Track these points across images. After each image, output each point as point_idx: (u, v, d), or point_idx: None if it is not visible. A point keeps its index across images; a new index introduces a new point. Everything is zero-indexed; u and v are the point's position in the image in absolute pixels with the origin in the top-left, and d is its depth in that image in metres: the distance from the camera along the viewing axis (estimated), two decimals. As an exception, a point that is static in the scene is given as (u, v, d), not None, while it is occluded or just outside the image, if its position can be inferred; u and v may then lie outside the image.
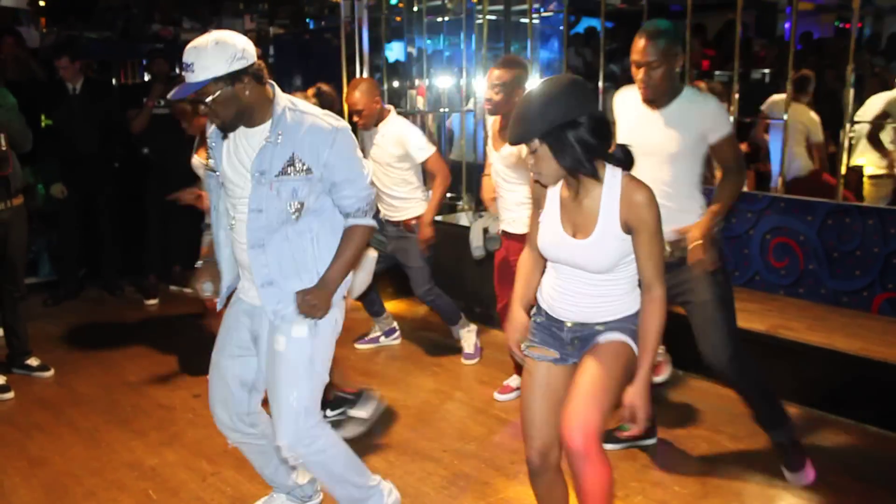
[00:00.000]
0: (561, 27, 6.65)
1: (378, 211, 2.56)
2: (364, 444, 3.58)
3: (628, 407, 2.21)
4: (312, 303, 2.51)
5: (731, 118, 3.11)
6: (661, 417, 3.72)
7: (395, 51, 9.02)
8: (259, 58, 2.42)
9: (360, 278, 3.46)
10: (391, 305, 5.18)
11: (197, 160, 3.86)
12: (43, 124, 5.53)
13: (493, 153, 3.91)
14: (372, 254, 3.58)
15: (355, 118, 4.37)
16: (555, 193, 2.32)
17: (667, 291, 2.53)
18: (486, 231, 4.65)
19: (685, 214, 2.97)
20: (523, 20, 6.45)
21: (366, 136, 4.47)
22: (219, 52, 2.30)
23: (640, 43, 2.90)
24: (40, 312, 5.60)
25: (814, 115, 5.73)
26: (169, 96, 2.47)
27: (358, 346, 4.88)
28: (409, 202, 4.47)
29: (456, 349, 4.70)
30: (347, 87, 4.49)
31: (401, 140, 4.36)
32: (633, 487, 3.21)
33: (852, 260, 4.27)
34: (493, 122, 3.93)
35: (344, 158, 2.48)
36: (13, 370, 4.49)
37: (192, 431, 3.78)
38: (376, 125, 4.41)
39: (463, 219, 5.74)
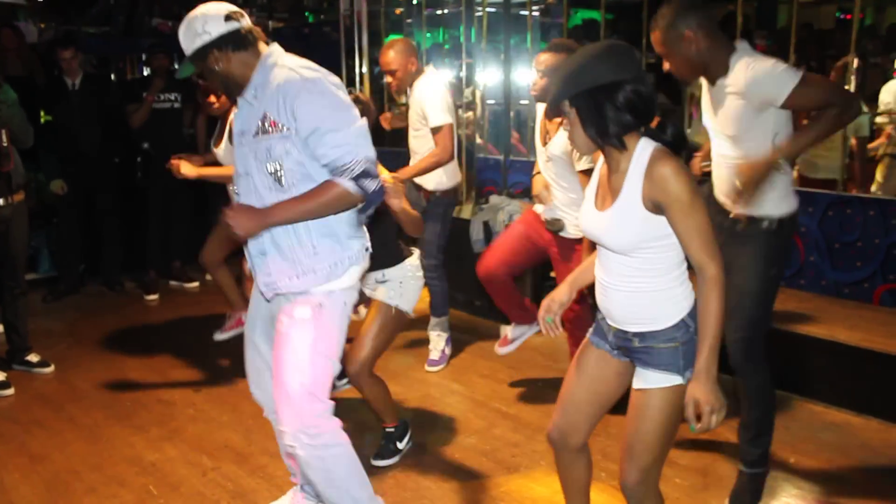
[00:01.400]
0: (560, 19, 6.62)
1: (370, 176, 2.35)
2: (364, 439, 3.58)
3: (690, 403, 2.01)
4: (234, 219, 2.31)
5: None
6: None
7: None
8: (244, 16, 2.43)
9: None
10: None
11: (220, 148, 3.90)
12: (42, 120, 5.52)
13: (541, 149, 3.71)
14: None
15: (388, 79, 4.24)
16: (596, 173, 2.22)
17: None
18: (486, 224, 4.65)
19: (774, 198, 2.71)
20: (523, 12, 6.43)
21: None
22: (185, 33, 2.38)
23: (651, 35, 2.78)
24: (40, 308, 5.60)
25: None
26: (178, 76, 2.54)
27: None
28: (441, 171, 4.30)
29: (458, 342, 4.69)
30: (382, 48, 4.32)
31: (421, 100, 4.20)
32: (634, 480, 3.20)
33: (853, 251, 4.26)
34: (540, 117, 3.73)
35: (315, 107, 2.30)
36: (13, 366, 4.49)
37: (193, 427, 3.77)
38: (410, 86, 4.27)
39: (464, 212, 5.72)
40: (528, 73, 5.75)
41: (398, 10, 7.91)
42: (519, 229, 3.87)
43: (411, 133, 4.36)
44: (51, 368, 4.52)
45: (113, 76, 7.77)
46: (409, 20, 7.50)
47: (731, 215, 2.78)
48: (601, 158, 2.16)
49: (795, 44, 4.50)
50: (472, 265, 4.05)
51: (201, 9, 2.38)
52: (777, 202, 2.74)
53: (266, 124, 2.34)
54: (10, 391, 4.21)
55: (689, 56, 2.72)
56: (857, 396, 3.73)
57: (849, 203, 4.28)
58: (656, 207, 1.99)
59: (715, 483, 3.16)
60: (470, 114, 6.38)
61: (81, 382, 4.37)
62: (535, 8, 5.92)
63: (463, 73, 6.42)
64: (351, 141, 2.31)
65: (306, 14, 9.91)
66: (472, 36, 6.36)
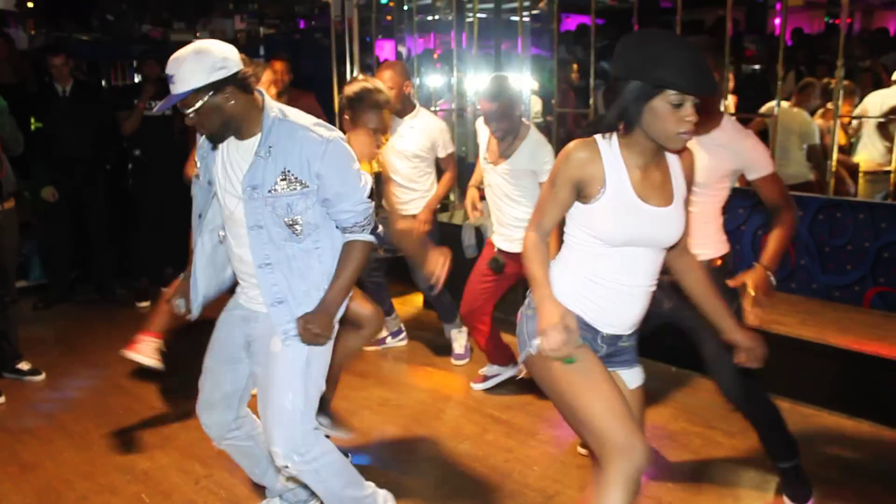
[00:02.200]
0: (551, 25, 6.65)
1: (377, 225, 2.56)
2: (358, 445, 3.57)
3: (746, 350, 2.28)
4: (315, 331, 2.44)
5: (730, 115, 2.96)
6: (654, 413, 3.72)
7: (385, 50, 9.01)
8: (247, 64, 2.37)
9: None
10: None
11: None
12: (33, 127, 5.50)
13: (490, 167, 3.89)
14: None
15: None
16: (616, 173, 2.11)
17: (675, 313, 2.80)
18: (477, 229, 4.66)
19: (701, 245, 2.79)
20: (514, 18, 6.45)
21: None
22: (198, 62, 2.26)
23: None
24: (31, 316, 5.56)
25: (807, 117, 5.72)
26: (157, 108, 2.41)
27: (365, 347, 4.87)
28: (429, 194, 4.54)
29: (449, 348, 4.69)
30: (377, 70, 4.55)
31: (434, 133, 4.46)
32: (627, 485, 3.20)
33: (844, 254, 4.27)
34: (488, 134, 3.90)
35: (337, 170, 2.40)
36: (4, 374, 4.46)
37: (185, 434, 3.76)
38: (402, 117, 4.43)
39: (455, 217, 5.73)
40: (520, 78, 5.76)
41: (389, 17, 7.93)
42: (482, 266, 4.05)
43: (402, 163, 4.44)
44: (42, 376, 4.50)
45: (104, 83, 7.75)
46: (400, 26, 7.51)
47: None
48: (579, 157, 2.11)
49: (785, 49, 4.53)
50: (465, 271, 4.06)
51: (214, 44, 2.32)
52: (715, 245, 2.95)
53: (286, 181, 2.38)
54: (1, 399, 4.18)
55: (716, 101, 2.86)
56: (848, 399, 3.74)
57: (838, 207, 4.30)
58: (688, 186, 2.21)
59: (709, 487, 3.17)
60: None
61: (73, 390, 4.35)
62: (525, 13, 5.93)
63: (454, 79, 6.43)
64: (365, 199, 2.48)
65: (297, 20, 9.92)
66: (463, 42, 6.38)
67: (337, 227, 2.51)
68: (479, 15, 5.99)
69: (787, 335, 3.89)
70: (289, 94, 5.21)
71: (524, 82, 5.84)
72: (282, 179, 2.37)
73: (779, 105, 4.68)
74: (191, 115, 2.31)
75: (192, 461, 3.49)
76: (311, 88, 5.73)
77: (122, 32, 8.05)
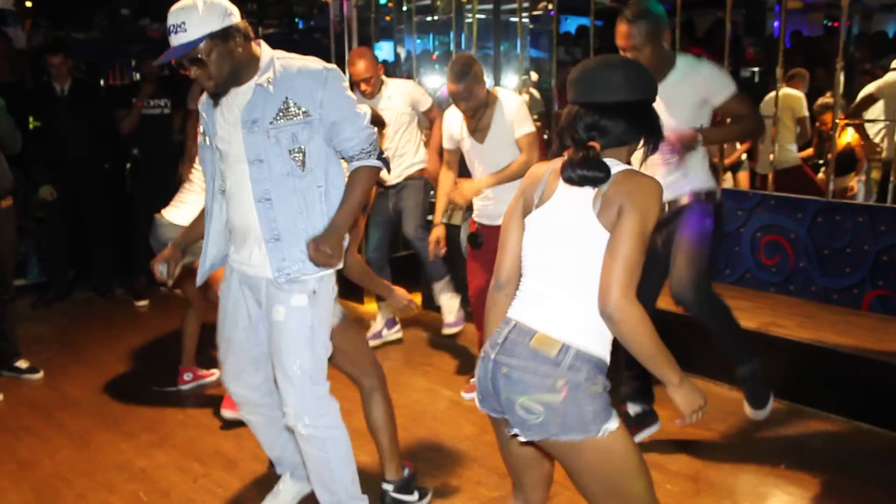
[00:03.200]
0: (550, 26, 6.65)
1: (382, 152, 2.57)
2: (355, 445, 3.57)
3: None
4: (327, 251, 2.42)
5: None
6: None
7: (384, 51, 9.01)
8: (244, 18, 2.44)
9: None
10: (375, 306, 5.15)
11: None
12: (31, 126, 5.49)
13: (475, 146, 3.85)
14: None
15: (362, 86, 4.45)
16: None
17: (666, 243, 2.92)
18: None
19: (688, 183, 3.13)
20: (513, 19, 6.45)
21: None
22: (210, 9, 2.31)
23: (622, 28, 2.96)
24: (29, 315, 5.56)
25: (797, 93, 5.95)
26: (159, 60, 2.40)
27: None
28: (416, 158, 4.66)
29: (447, 347, 4.69)
30: (350, 57, 4.63)
31: (410, 93, 4.60)
32: (626, 485, 3.20)
33: (843, 257, 4.28)
34: (460, 120, 3.89)
35: (339, 97, 2.44)
36: (2, 373, 4.47)
37: (183, 433, 3.76)
38: (373, 97, 4.51)
39: (454, 218, 5.72)
40: (518, 79, 5.77)
41: (388, 17, 7.93)
42: (473, 258, 4.02)
43: (397, 133, 4.52)
44: (40, 374, 4.49)
45: (102, 82, 7.74)
46: (399, 26, 7.51)
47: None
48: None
49: (784, 51, 4.54)
50: (464, 270, 4.06)
51: None
52: (700, 178, 3.14)
53: (288, 110, 2.40)
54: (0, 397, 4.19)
55: (661, 52, 3.02)
56: (846, 402, 3.74)
57: (838, 209, 4.31)
58: None
59: (706, 489, 3.17)
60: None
61: (71, 389, 4.34)
62: (524, 15, 5.94)
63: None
64: (366, 126, 2.50)
65: (296, 20, 9.91)
66: (462, 42, 6.38)
67: (344, 159, 2.53)
68: (478, 16, 5.98)
69: (785, 337, 3.90)
70: None
71: (525, 83, 5.84)
72: (285, 109, 2.41)
73: (776, 99, 4.69)
74: (202, 61, 2.32)
75: (190, 460, 3.49)
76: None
77: (121, 32, 8.03)
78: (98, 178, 5.88)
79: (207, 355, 4.15)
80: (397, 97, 4.55)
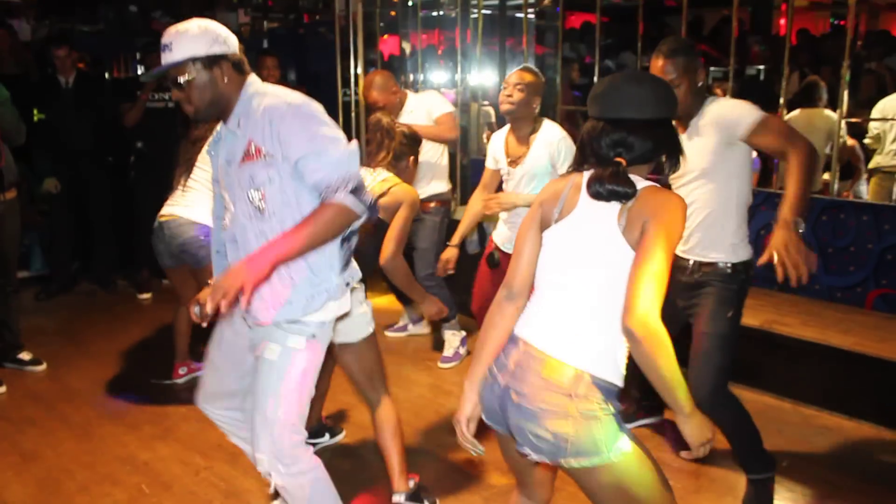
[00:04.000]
0: (556, 22, 6.65)
1: (362, 189, 2.27)
2: (359, 440, 3.58)
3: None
4: (232, 283, 2.09)
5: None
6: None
7: (389, 45, 9.00)
8: (243, 53, 2.34)
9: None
10: (385, 300, 5.16)
11: None
12: (36, 118, 5.50)
13: (509, 171, 3.81)
14: None
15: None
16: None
17: (686, 311, 2.68)
18: (480, 225, 4.66)
19: (719, 244, 2.86)
20: (518, 15, 6.45)
21: None
22: (200, 34, 2.25)
23: (658, 62, 2.79)
24: (32, 307, 5.57)
25: (829, 114, 5.61)
26: (142, 77, 2.41)
27: (388, 333, 4.97)
28: (431, 182, 4.56)
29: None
30: (363, 84, 4.61)
31: (427, 105, 4.52)
32: (628, 482, 3.20)
33: (846, 256, 4.27)
34: (504, 135, 3.85)
35: (301, 130, 2.22)
36: (5, 364, 4.47)
37: (186, 425, 3.76)
38: (397, 112, 4.50)
39: (458, 214, 5.72)
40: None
41: (393, 13, 7.92)
42: (485, 267, 3.98)
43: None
44: (43, 366, 4.50)
45: (107, 75, 7.75)
46: (404, 21, 7.51)
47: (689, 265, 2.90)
48: None
49: (790, 49, 4.52)
50: (467, 268, 4.06)
51: (212, 22, 2.32)
52: (733, 249, 2.86)
53: (251, 151, 2.26)
54: (2, 389, 4.19)
55: (696, 90, 2.80)
56: (849, 400, 3.74)
57: (842, 208, 4.30)
58: None
59: (708, 485, 3.17)
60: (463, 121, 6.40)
61: (74, 381, 4.35)
62: (530, 11, 5.93)
63: (458, 76, 6.42)
64: (342, 159, 2.23)
65: (301, 15, 9.91)
66: (467, 38, 6.37)
67: (317, 194, 2.26)
68: (483, 11, 5.97)
69: (788, 335, 3.89)
70: None
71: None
72: (247, 150, 2.27)
73: (785, 102, 4.67)
74: (182, 85, 2.24)
75: (192, 453, 3.49)
76: (315, 84, 5.74)
77: (126, 24, 8.04)
78: (102, 171, 5.89)
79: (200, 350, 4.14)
80: (418, 111, 4.49)
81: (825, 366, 3.81)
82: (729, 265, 2.86)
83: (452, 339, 4.64)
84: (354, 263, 2.55)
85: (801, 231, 2.44)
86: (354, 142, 2.31)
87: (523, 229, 2.04)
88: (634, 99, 1.88)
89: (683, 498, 3.07)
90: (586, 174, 1.93)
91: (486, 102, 6.60)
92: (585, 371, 1.80)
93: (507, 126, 3.85)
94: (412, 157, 3.28)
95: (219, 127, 2.48)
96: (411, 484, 3.04)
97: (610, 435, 1.79)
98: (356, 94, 6.51)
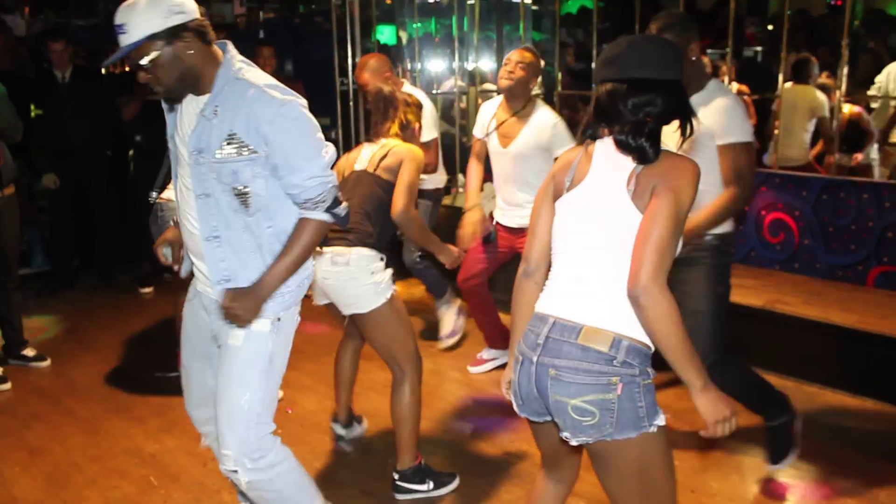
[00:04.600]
0: (552, 7, 6.62)
1: (337, 202, 2.26)
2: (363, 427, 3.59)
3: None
4: (237, 312, 2.19)
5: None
6: (659, 393, 3.73)
7: (385, 34, 8.97)
8: (203, 15, 2.19)
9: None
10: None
11: None
12: (33, 114, 5.48)
13: (499, 150, 3.89)
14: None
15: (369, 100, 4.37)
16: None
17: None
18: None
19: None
20: (515, 1, 6.42)
21: None
22: (153, 6, 2.06)
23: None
24: (35, 303, 5.57)
25: (814, 91, 5.64)
26: (103, 63, 2.28)
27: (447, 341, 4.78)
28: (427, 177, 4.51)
29: (453, 330, 4.70)
30: (357, 65, 4.55)
31: None
32: (633, 464, 3.22)
33: (847, 234, 4.28)
34: (495, 113, 3.91)
35: (287, 137, 2.14)
36: (9, 361, 4.48)
37: (192, 417, 3.77)
38: None
39: (458, 201, 5.73)
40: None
41: (389, 0, 7.89)
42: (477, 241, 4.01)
43: None
44: (47, 362, 4.51)
45: (103, 70, 7.73)
46: (401, 9, 7.48)
47: None
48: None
49: (787, 31, 4.51)
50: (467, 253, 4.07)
51: None
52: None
53: (234, 145, 2.15)
54: (7, 385, 4.20)
55: (688, 66, 2.73)
56: (852, 378, 3.75)
57: (842, 186, 4.30)
58: None
59: (713, 465, 3.19)
60: (463, 103, 6.38)
61: (79, 376, 4.36)
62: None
63: (455, 64, 6.41)
64: (321, 173, 2.20)
65: (297, 4, 9.87)
66: (464, 25, 6.35)
67: (293, 202, 2.25)
68: (480, -2, 5.95)
69: (791, 314, 3.90)
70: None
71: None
72: (228, 143, 2.15)
73: (783, 84, 4.67)
74: (146, 68, 2.11)
75: (199, 444, 3.49)
76: (312, 73, 5.72)
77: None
78: (101, 166, 5.87)
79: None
80: None
81: (827, 344, 3.82)
82: (717, 238, 2.86)
83: (447, 313, 4.64)
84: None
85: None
86: (332, 148, 2.26)
87: (537, 203, 2.01)
88: (656, 59, 1.82)
89: (689, 477, 3.09)
90: (599, 142, 1.90)
91: (489, 88, 6.56)
92: (623, 334, 1.76)
93: (500, 98, 3.91)
94: (417, 125, 3.27)
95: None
96: (413, 463, 3.06)
97: (649, 405, 1.77)
98: (353, 83, 6.49)
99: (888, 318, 3.77)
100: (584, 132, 1.94)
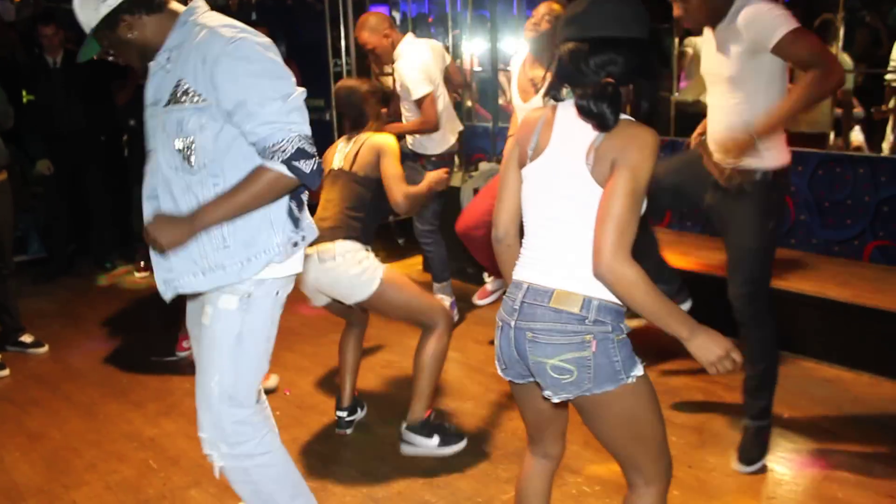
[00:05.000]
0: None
1: (301, 153, 1.99)
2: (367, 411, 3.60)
3: None
4: (154, 234, 2.02)
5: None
6: (655, 368, 3.75)
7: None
8: None
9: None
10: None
11: None
12: (25, 100, 5.46)
13: (522, 106, 3.87)
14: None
15: (371, 59, 4.36)
16: None
17: (713, 209, 2.72)
18: (476, 191, 4.65)
19: (766, 150, 2.69)
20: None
21: None
22: (83, 4, 2.05)
23: None
24: (32, 290, 5.57)
25: (846, 58, 5.53)
26: (79, 60, 2.26)
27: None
28: (428, 138, 4.43)
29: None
30: (357, 24, 4.44)
31: (401, 73, 4.29)
32: (631, 440, 3.23)
33: (843, 209, 4.27)
34: (519, 70, 3.89)
35: (239, 75, 1.94)
36: (7, 347, 4.48)
37: (190, 401, 3.73)
38: (392, 63, 4.39)
39: (454, 180, 5.70)
40: (516, 41, 5.71)
41: (382, -20, 7.82)
42: (488, 188, 4.00)
43: (402, 104, 4.42)
44: (45, 348, 4.51)
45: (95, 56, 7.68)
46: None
47: (725, 171, 2.76)
48: None
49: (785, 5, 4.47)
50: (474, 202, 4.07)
51: None
52: (770, 155, 2.72)
53: (179, 93, 2.01)
54: (6, 372, 4.20)
55: (710, 1, 2.68)
56: (848, 351, 3.77)
57: (838, 161, 4.29)
58: None
59: (711, 440, 3.20)
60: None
61: (76, 361, 4.36)
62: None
63: (450, 43, 6.36)
64: (282, 117, 1.97)
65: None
66: (458, 5, 6.30)
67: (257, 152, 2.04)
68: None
69: (787, 289, 3.90)
70: None
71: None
72: (175, 90, 2.02)
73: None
74: (111, 53, 2.13)
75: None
76: (305, 54, 5.68)
77: None
78: (95, 151, 5.86)
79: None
80: (396, 69, 4.35)
81: (824, 318, 3.83)
82: (769, 173, 2.74)
83: (443, 301, 4.60)
84: (309, 219, 2.28)
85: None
86: (302, 91, 2.06)
87: (503, 169, 2.04)
88: (619, 16, 1.79)
89: (687, 453, 3.10)
90: (561, 107, 1.89)
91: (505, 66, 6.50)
92: (593, 296, 1.79)
93: (525, 54, 3.87)
94: (385, 109, 3.34)
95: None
96: (423, 416, 3.12)
97: (625, 358, 1.81)
98: (347, 63, 6.45)
99: (884, 293, 3.78)
100: (546, 94, 1.93)
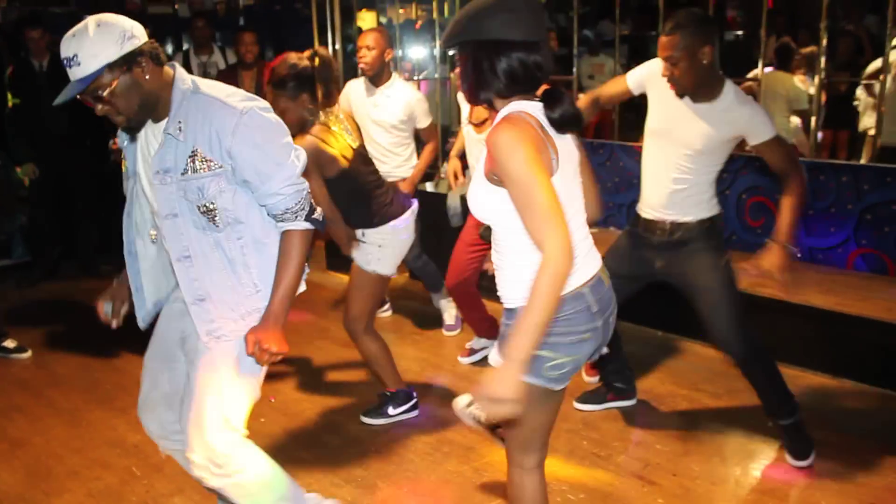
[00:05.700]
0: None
1: (313, 209, 2.22)
2: (347, 413, 3.59)
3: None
4: (271, 349, 2.17)
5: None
6: (641, 377, 3.76)
7: (366, 21, 8.92)
8: (150, 37, 2.10)
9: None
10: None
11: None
12: (10, 103, 5.42)
13: (473, 134, 3.93)
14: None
15: (361, 52, 4.33)
16: None
17: (666, 272, 2.81)
18: (462, 198, 4.64)
19: (694, 207, 2.97)
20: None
21: (366, 94, 4.46)
22: (105, 34, 1.97)
23: (661, 39, 2.81)
24: (15, 294, 5.53)
25: (794, 82, 5.67)
26: (57, 100, 2.06)
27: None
28: (406, 164, 4.54)
29: (437, 317, 4.70)
30: (364, 31, 4.50)
31: (410, 104, 4.41)
32: (615, 447, 3.24)
33: (827, 217, 4.30)
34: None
35: (253, 146, 2.09)
36: (-10, 352, 4.45)
37: (174, 407, 3.76)
38: (378, 86, 4.41)
39: (440, 187, 5.72)
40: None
41: (370, -14, 7.84)
42: (467, 237, 4.00)
43: (379, 132, 4.46)
44: (28, 353, 4.48)
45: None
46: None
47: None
48: None
49: (767, 14, 4.52)
50: (451, 240, 4.06)
51: (112, 16, 2.03)
52: (708, 207, 3.00)
53: (197, 161, 2.10)
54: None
55: (699, 69, 2.79)
56: (831, 359, 3.79)
57: (822, 170, 4.32)
58: (497, 181, 1.84)
59: (696, 448, 3.21)
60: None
61: (60, 367, 4.33)
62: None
63: (437, 50, 6.38)
64: (294, 180, 2.16)
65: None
66: (444, 11, 6.32)
67: (269, 216, 2.22)
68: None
69: (770, 297, 3.91)
70: (258, 66, 5.29)
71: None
72: (192, 160, 2.09)
73: (763, 69, 4.67)
74: (105, 98, 2.01)
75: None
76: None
77: (98, 5, 7.90)
78: (81, 155, 5.81)
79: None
80: (396, 100, 4.39)
81: (808, 326, 3.85)
82: (707, 220, 3.00)
83: (449, 306, 4.64)
84: None
85: (796, 255, 2.78)
86: (302, 153, 2.23)
87: (550, 189, 1.77)
88: (540, 18, 1.85)
89: (672, 461, 3.11)
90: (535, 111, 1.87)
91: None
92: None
93: None
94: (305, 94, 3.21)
95: (119, 132, 2.28)
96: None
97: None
98: (321, 47, 6.47)
99: (867, 300, 3.80)
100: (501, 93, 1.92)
